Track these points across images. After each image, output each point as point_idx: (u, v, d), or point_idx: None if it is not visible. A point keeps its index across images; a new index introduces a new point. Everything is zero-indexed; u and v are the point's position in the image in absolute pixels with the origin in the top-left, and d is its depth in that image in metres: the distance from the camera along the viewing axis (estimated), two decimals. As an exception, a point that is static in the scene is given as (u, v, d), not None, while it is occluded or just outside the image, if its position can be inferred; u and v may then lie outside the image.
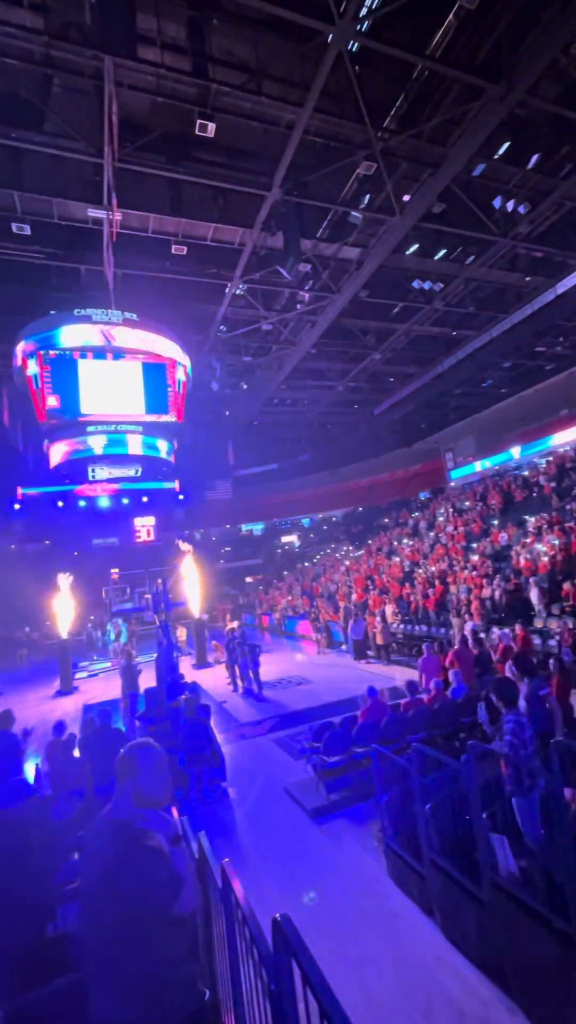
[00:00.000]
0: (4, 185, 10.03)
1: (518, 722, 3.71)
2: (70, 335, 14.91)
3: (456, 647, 8.16)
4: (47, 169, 10.21)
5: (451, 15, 8.39)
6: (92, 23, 7.79)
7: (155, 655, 10.65)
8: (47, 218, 10.96)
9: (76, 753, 6.37)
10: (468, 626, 9.95)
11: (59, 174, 10.37)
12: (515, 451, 23.73)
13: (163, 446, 18.48)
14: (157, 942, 1.61)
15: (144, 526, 19.51)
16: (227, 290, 14.07)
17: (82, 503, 17.82)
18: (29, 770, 6.77)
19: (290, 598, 23.99)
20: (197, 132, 9.27)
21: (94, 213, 10.69)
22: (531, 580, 11.97)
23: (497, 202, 12.02)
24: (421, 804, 4.00)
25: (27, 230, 10.95)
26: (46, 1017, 2.26)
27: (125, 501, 18.31)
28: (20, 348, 14.98)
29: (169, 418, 17.26)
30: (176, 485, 19.55)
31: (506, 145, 11.05)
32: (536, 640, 9.94)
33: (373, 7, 8.01)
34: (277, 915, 1.39)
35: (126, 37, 7.01)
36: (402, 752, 5.33)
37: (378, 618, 14.38)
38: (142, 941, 1.57)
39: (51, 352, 15.01)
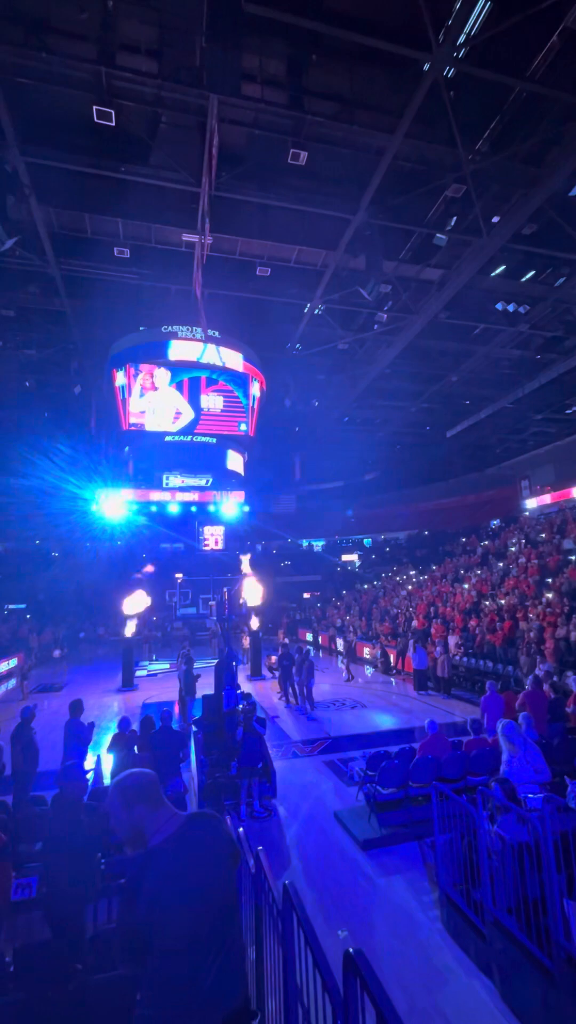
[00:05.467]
0: (111, 214, 10.93)
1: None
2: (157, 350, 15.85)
3: (528, 688, 7.64)
4: (148, 198, 11.01)
5: (555, 36, 8.22)
6: (201, 64, 8.38)
7: (213, 662, 10.85)
8: (145, 242, 11.81)
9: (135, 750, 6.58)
10: (542, 667, 9.28)
11: (159, 202, 11.16)
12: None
13: (234, 458, 19.04)
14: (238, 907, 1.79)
15: (213, 535, 20.07)
16: (306, 310, 14.39)
17: (153, 508, 18.68)
18: (90, 759, 7.09)
19: (348, 618, 23.63)
20: (289, 161, 9.65)
21: (188, 238, 11.38)
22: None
23: (595, 222, 11.45)
24: (487, 855, 3.74)
25: (127, 253, 11.84)
26: (100, 1003, 2.33)
27: (194, 509, 18.98)
28: (110, 360, 16.12)
29: (242, 431, 17.78)
30: (243, 496, 20.01)
31: (608, 163, 10.54)
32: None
33: (473, 33, 8.02)
34: (350, 949, 1.35)
35: (232, 76, 7.46)
36: (462, 793, 5.05)
37: (438, 648, 13.79)
38: (237, 918, 1.74)
39: (140, 365, 16.01)
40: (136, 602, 15.81)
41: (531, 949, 3.25)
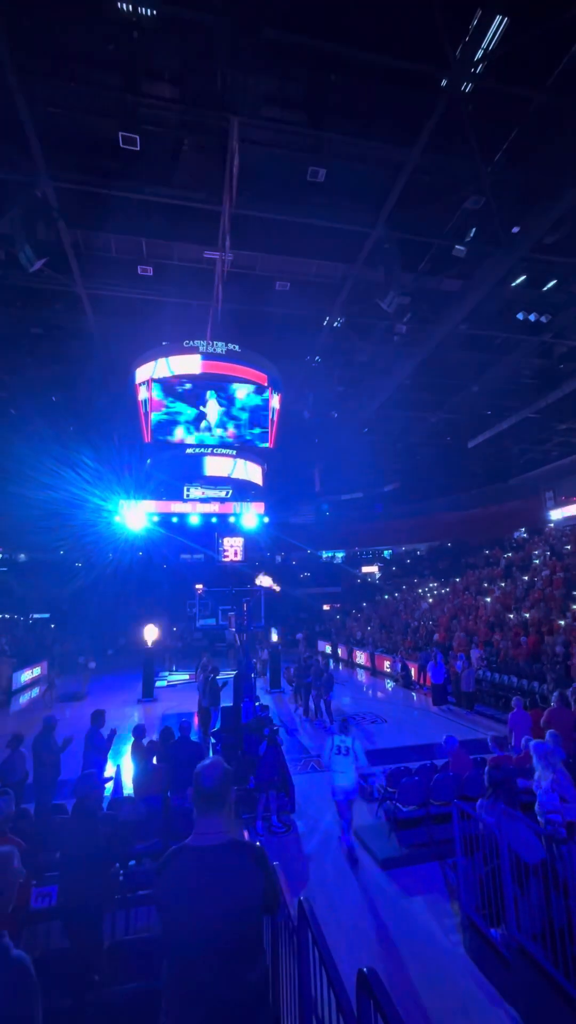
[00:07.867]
0: (135, 234, 11.26)
1: None
2: (179, 364, 16.14)
3: (553, 706, 7.42)
4: (171, 218, 11.30)
5: (574, 47, 8.21)
6: (222, 88, 8.62)
7: (232, 673, 10.84)
8: (167, 260, 12.11)
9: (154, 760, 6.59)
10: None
11: (181, 222, 11.44)
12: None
13: (254, 470, 19.14)
14: (261, 953, 1.70)
15: (232, 546, 20.17)
16: (325, 323, 14.50)
17: (174, 519, 18.88)
18: (109, 769, 7.13)
19: (368, 629, 23.38)
20: (308, 178, 9.81)
21: (209, 255, 11.63)
22: None
23: (618, 229, 11.28)
24: (511, 879, 3.62)
25: (150, 271, 12.16)
26: (116, 1016, 2.33)
27: (214, 520, 19.12)
28: (133, 376, 16.47)
29: (262, 443, 17.90)
30: (263, 507, 20.06)
31: (631, 171, 10.42)
32: None
33: (490, 48, 8.08)
34: (364, 968, 1.33)
35: (252, 99, 7.66)
36: (486, 813, 4.90)
37: (459, 662, 13.52)
38: (256, 952, 1.66)
39: (160, 379, 16.33)
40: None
41: (558, 979, 3.12)
